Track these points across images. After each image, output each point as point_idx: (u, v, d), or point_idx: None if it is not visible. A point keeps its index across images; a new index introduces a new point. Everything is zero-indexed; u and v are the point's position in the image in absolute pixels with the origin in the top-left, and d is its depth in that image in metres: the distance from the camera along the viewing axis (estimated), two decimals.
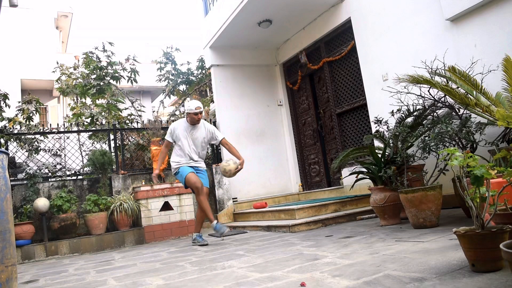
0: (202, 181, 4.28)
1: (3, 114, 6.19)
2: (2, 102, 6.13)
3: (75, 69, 8.74)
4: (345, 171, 5.78)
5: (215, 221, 4.22)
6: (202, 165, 4.49)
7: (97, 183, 6.04)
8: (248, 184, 7.05)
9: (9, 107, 6.20)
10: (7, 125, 6.25)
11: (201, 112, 4.34)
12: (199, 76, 10.30)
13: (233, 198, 6.79)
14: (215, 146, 7.21)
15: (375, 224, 3.94)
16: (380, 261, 2.17)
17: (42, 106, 7.22)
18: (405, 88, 4.10)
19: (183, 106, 12.08)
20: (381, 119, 4.22)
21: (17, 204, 5.45)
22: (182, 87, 10.58)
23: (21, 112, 6.52)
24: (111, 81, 8.50)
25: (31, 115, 6.50)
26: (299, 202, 6.12)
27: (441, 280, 1.63)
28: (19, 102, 6.76)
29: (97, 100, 8.37)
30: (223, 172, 4.27)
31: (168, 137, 4.50)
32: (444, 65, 3.66)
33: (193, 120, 4.34)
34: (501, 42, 3.75)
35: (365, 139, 4.58)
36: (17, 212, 5.30)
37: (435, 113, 3.96)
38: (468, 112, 3.47)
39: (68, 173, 6.22)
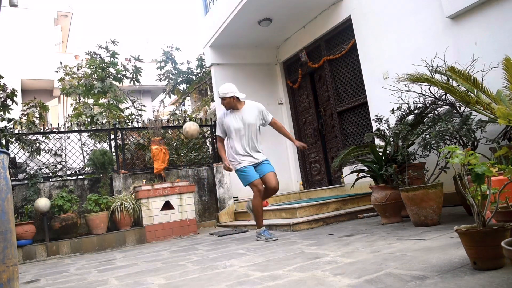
0: (269, 171, 3.94)
1: (9, 112, 6.16)
2: (8, 100, 6.09)
3: (78, 69, 8.74)
4: (346, 170, 5.78)
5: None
6: (262, 157, 4.03)
7: (98, 183, 6.05)
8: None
9: (16, 104, 6.16)
10: (7, 125, 6.24)
11: (223, 99, 3.98)
12: (199, 75, 10.29)
13: (234, 197, 6.79)
14: (215, 145, 7.20)
15: (376, 223, 3.94)
16: (382, 260, 2.17)
17: (45, 111, 7.17)
18: (405, 86, 4.09)
19: (183, 105, 12.09)
20: (381, 117, 4.22)
21: (18, 204, 5.45)
22: (183, 87, 10.58)
23: (26, 116, 6.53)
24: (113, 81, 8.49)
25: (34, 119, 6.51)
26: (300, 201, 6.12)
27: (443, 278, 1.63)
28: (23, 104, 6.76)
29: (99, 100, 8.37)
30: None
31: (218, 133, 4.12)
32: (445, 63, 3.65)
33: (228, 105, 4.02)
34: (502, 39, 3.74)
35: (366, 138, 4.57)
36: (18, 212, 5.30)
37: (435, 111, 3.95)
38: (468, 110, 3.46)
39: (68, 172, 6.23)
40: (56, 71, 8.83)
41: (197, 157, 7.39)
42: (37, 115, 6.55)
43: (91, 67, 8.42)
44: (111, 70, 8.54)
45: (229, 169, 4.00)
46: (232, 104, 4.02)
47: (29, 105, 6.64)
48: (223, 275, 2.39)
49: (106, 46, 8.56)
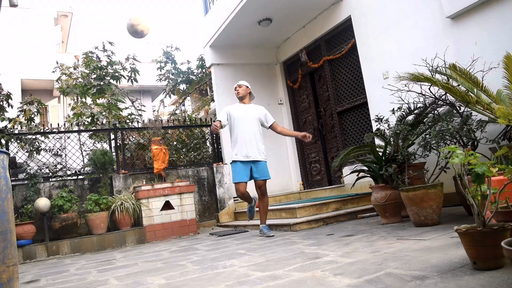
0: (260, 175, 4.37)
1: (5, 114, 6.18)
2: (4, 102, 6.11)
3: (75, 68, 8.73)
4: (346, 170, 5.78)
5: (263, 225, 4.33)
6: (260, 157, 4.36)
7: (98, 183, 6.04)
8: (249, 183, 7.03)
9: (11, 107, 6.18)
10: (8, 125, 6.24)
11: (240, 86, 4.47)
12: (199, 75, 10.30)
13: (234, 197, 6.78)
14: (215, 145, 7.20)
15: (376, 223, 3.94)
16: (382, 259, 2.17)
17: (43, 106, 7.17)
18: (405, 86, 4.10)
19: (183, 105, 12.10)
20: (381, 117, 4.22)
21: (18, 204, 5.45)
22: (183, 87, 10.59)
23: (23, 113, 6.52)
24: (111, 80, 8.49)
25: (32, 116, 6.49)
26: (300, 201, 6.12)
27: (443, 278, 1.63)
28: (20, 102, 6.74)
29: (97, 100, 8.36)
30: None
31: (219, 117, 4.49)
32: (445, 63, 3.65)
33: (242, 93, 4.45)
34: (502, 39, 3.74)
35: (366, 138, 4.57)
36: (18, 212, 5.30)
37: (436, 111, 3.95)
38: (469, 110, 3.47)
39: (68, 172, 6.22)
40: (53, 71, 8.81)
41: (197, 157, 7.40)
42: (34, 110, 6.51)
43: (89, 66, 8.40)
44: (109, 69, 8.53)
45: (215, 129, 4.22)
46: (245, 94, 4.47)
47: (26, 102, 6.62)
48: (223, 275, 2.39)
49: (103, 46, 8.55)
